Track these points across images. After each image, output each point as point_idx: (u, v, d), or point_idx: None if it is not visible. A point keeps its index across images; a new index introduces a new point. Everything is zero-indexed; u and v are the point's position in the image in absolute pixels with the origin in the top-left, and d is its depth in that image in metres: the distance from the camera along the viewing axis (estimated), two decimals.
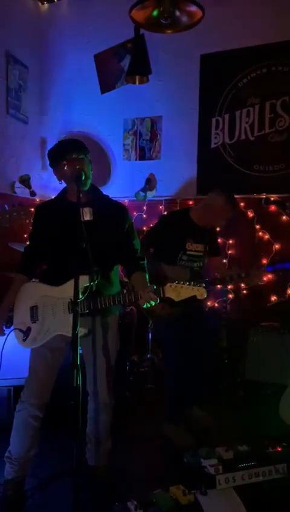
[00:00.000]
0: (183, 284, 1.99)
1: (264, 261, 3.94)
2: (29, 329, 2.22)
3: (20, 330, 2.24)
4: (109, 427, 2.35)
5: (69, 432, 1.71)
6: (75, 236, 2.00)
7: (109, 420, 2.34)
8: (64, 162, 2.17)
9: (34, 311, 2.23)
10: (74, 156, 2.16)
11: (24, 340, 2.23)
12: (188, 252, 2.99)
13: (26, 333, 2.22)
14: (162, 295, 2.03)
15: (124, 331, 3.69)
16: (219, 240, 3.41)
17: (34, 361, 2.25)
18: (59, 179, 2.23)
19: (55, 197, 2.40)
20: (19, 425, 2.23)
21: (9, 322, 2.33)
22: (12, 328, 2.29)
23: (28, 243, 2.52)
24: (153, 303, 2.04)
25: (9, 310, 2.32)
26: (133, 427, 3.10)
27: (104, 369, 2.27)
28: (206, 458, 2.18)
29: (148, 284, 2.14)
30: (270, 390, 3.40)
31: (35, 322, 2.22)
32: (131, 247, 2.31)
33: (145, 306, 2.07)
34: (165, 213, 4.18)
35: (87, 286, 2.03)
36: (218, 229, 3.40)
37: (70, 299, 1.99)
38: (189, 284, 1.98)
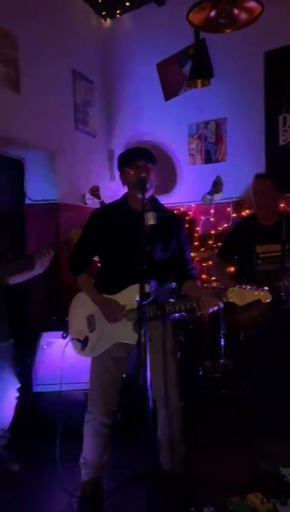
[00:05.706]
0: (246, 287, 1.96)
1: None
2: (86, 338, 2.25)
3: (78, 340, 2.27)
4: (181, 431, 2.32)
5: (143, 435, 1.73)
6: (137, 242, 2.00)
7: (181, 424, 2.31)
8: (130, 169, 2.18)
9: (90, 320, 2.26)
10: (140, 164, 2.17)
11: (82, 349, 2.26)
12: (261, 255, 2.84)
13: (84, 342, 2.25)
14: (225, 300, 2.00)
15: (195, 336, 3.67)
16: None
17: (97, 372, 2.26)
18: (123, 184, 2.26)
19: (113, 203, 2.38)
20: (90, 434, 2.27)
21: (65, 332, 2.38)
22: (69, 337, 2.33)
23: (77, 246, 2.39)
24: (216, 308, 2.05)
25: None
26: (208, 434, 3.04)
27: (174, 372, 2.25)
28: (285, 466, 2.09)
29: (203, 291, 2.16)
30: None
31: (92, 331, 2.25)
32: (184, 257, 2.33)
33: (209, 311, 2.09)
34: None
35: (148, 292, 1.99)
36: None
37: (135, 301, 1.97)
38: (252, 288, 1.95)
